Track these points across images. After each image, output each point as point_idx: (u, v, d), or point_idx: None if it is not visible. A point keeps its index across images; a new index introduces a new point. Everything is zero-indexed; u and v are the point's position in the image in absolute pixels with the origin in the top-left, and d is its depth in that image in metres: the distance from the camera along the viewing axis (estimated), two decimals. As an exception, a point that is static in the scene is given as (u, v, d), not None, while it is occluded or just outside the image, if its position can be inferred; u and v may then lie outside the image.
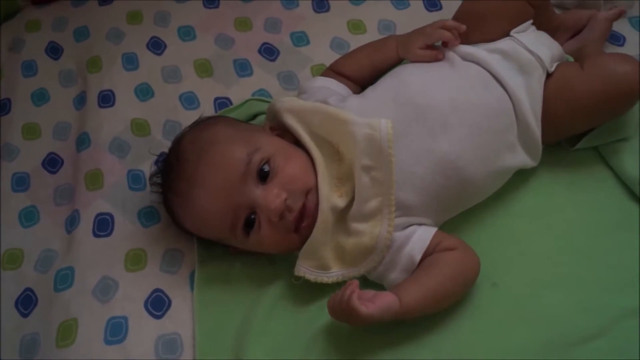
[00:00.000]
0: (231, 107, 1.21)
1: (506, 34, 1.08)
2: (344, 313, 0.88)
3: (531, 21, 1.10)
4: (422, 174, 0.97)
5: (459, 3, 1.27)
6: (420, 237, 0.97)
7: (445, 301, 0.95)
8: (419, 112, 0.99)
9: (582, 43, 1.18)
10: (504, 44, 1.07)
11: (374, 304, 0.87)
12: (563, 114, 1.04)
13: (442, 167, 0.97)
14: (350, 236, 0.96)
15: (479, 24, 1.08)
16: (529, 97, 1.03)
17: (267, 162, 0.96)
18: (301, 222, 0.96)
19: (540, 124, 1.04)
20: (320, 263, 0.97)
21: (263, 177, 0.96)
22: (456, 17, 1.11)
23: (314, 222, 0.95)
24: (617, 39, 1.23)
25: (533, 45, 1.06)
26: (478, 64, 1.05)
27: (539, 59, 1.05)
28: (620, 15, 1.21)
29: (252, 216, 0.95)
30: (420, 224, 0.98)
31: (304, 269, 0.97)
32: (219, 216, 0.96)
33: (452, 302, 0.96)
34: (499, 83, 1.03)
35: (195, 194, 0.96)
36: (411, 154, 0.97)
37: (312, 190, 0.96)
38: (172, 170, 1.00)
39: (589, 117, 1.05)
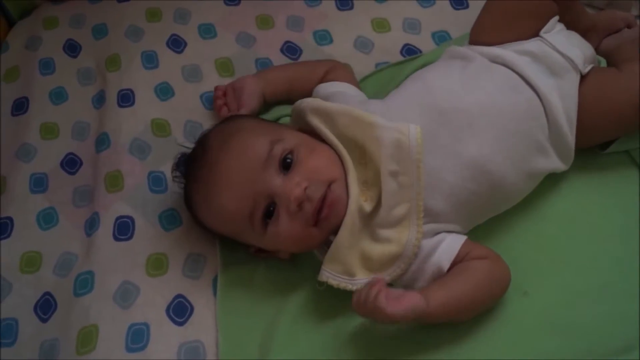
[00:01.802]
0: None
1: (535, 33, 1.05)
2: (369, 311, 0.86)
3: (557, 18, 1.07)
4: (450, 179, 0.95)
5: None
6: (448, 245, 0.94)
7: (471, 310, 0.92)
8: (445, 116, 0.96)
9: (619, 42, 1.15)
10: (533, 45, 1.04)
11: (400, 304, 0.84)
12: (598, 121, 1.02)
13: (471, 171, 0.95)
14: (377, 242, 0.94)
15: (505, 23, 1.06)
16: (562, 100, 1.00)
17: (291, 153, 0.94)
18: (320, 212, 0.93)
19: (574, 127, 1.01)
20: (345, 268, 0.94)
21: (285, 166, 0.94)
22: (481, 17, 1.08)
23: (335, 216, 0.93)
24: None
25: (563, 46, 1.03)
26: (507, 66, 1.02)
27: (570, 61, 1.02)
28: None
29: (272, 207, 0.93)
30: (449, 232, 0.96)
31: (328, 274, 0.94)
32: (238, 204, 0.94)
33: (478, 312, 0.93)
34: (529, 85, 1.00)
35: (216, 180, 0.95)
36: (439, 159, 0.95)
37: (337, 182, 0.94)
38: (197, 158, 0.99)
39: (624, 126, 1.04)
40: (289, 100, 1.13)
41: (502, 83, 1.00)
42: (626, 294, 0.96)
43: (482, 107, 0.97)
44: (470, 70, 1.02)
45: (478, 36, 1.08)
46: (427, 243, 0.94)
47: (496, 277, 0.93)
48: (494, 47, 1.04)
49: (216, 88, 1.18)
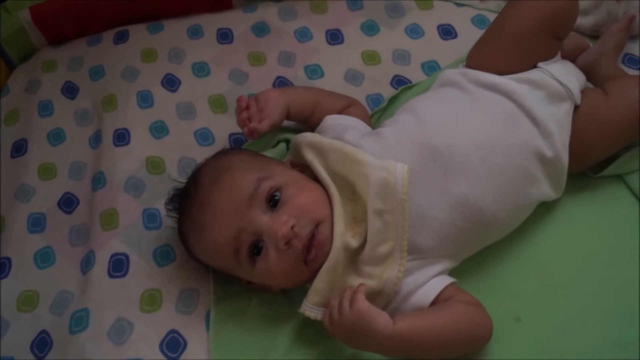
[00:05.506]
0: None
1: (533, 65, 1.04)
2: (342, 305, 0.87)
3: (559, 54, 1.07)
4: (439, 217, 0.94)
5: (475, 30, 1.28)
6: (432, 285, 0.94)
7: (441, 346, 0.90)
8: (437, 153, 0.95)
9: (595, 56, 1.16)
10: (532, 74, 1.03)
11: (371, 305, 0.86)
12: (591, 144, 1.03)
13: (461, 210, 0.94)
14: (360, 277, 0.93)
15: (506, 55, 1.04)
16: (559, 129, 1.00)
17: (278, 190, 0.95)
18: (309, 253, 0.93)
19: (567, 156, 1.01)
20: (324, 301, 0.93)
21: (273, 204, 0.94)
22: (482, 44, 1.08)
23: (323, 256, 0.93)
24: (635, 62, 1.21)
25: (562, 76, 1.03)
26: (504, 94, 1.00)
27: (569, 91, 1.02)
28: (631, 21, 1.18)
29: (260, 244, 0.94)
30: (435, 271, 0.95)
31: (306, 306, 0.94)
32: (223, 240, 0.94)
33: (449, 355, 0.91)
34: (527, 115, 0.99)
35: (206, 218, 0.95)
36: (428, 197, 0.94)
37: (324, 222, 0.94)
38: (189, 195, 0.99)
39: (616, 144, 1.04)
40: (308, 122, 1.14)
41: (497, 115, 0.99)
42: (620, 317, 0.95)
43: (475, 142, 0.96)
44: (464, 102, 1.01)
45: (474, 61, 1.07)
46: (411, 282, 0.94)
47: (476, 322, 0.92)
48: (490, 74, 1.03)
49: (239, 99, 1.13)
